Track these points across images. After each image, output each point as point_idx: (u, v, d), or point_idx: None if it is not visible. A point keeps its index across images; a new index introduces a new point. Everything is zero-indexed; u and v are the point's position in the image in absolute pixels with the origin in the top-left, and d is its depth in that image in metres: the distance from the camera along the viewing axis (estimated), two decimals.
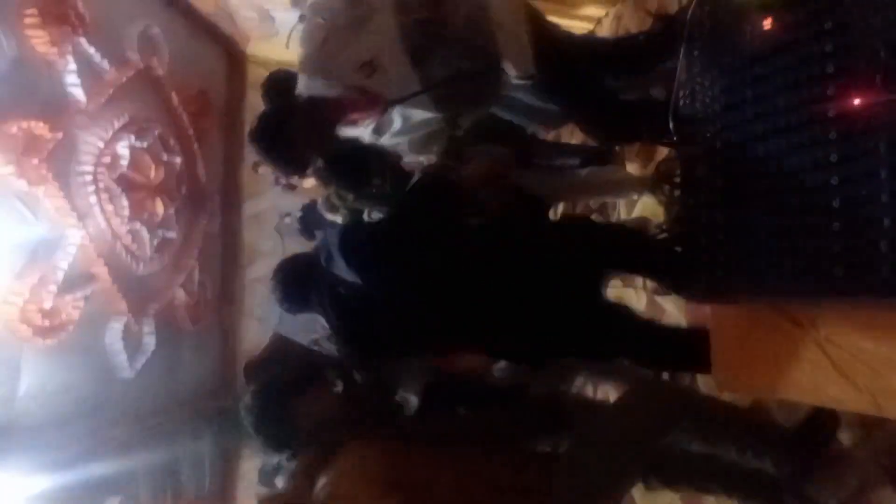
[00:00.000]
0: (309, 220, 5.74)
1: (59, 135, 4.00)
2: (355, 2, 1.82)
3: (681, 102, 1.26)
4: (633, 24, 3.09)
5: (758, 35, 1.14)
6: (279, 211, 6.44)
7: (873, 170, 0.93)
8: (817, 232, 1.01)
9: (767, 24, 1.12)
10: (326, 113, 1.96)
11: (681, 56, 1.24)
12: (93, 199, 4.34)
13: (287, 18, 5.74)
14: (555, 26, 2.21)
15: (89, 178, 4.31)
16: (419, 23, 1.80)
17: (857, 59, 0.97)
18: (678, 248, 1.23)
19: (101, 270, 4.40)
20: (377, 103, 1.93)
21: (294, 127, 1.93)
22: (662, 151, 2.38)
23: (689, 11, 1.25)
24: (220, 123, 6.24)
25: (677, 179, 1.26)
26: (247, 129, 6.75)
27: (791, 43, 1.07)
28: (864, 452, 1.79)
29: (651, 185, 2.45)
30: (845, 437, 1.90)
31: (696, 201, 1.23)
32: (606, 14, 3.39)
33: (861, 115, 0.96)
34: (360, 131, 2.13)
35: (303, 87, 1.93)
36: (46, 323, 3.90)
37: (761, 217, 1.11)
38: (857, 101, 0.96)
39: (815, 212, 1.01)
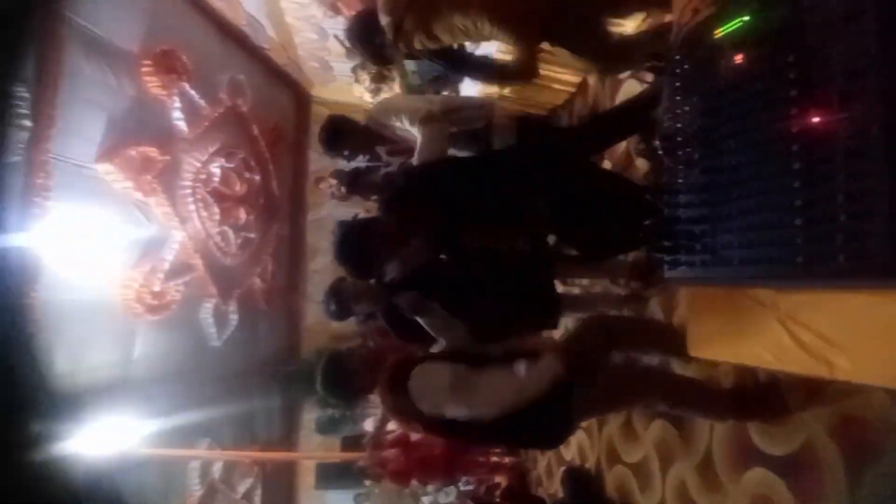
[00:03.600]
0: None
1: (167, 157, 4.06)
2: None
3: (665, 123, 1.21)
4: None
5: (731, 67, 1.09)
6: (335, 218, 6.47)
7: (832, 175, 0.88)
8: (782, 227, 0.96)
9: (739, 58, 1.07)
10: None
11: (666, 85, 1.19)
12: (192, 207, 4.39)
13: (343, 67, 5.79)
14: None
15: (189, 190, 4.36)
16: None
17: (817, 84, 0.92)
18: (665, 242, 1.18)
19: (197, 262, 4.45)
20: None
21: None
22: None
23: (674, 49, 1.20)
24: (290, 149, 6.27)
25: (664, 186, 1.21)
26: (311, 155, 6.80)
27: (759, 73, 1.02)
28: (809, 413, 1.73)
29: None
30: (791, 399, 1.82)
31: (678, 203, 1.18)
32: None
33: (821, 131, 0.90)
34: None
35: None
36: (155, 302, 3.95)
37: (735, 215, 1.06)
38: (816, 119, 0.91)
39: (780, 210, 0.96)
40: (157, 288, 3.97)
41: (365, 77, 4.22)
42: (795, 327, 1.02)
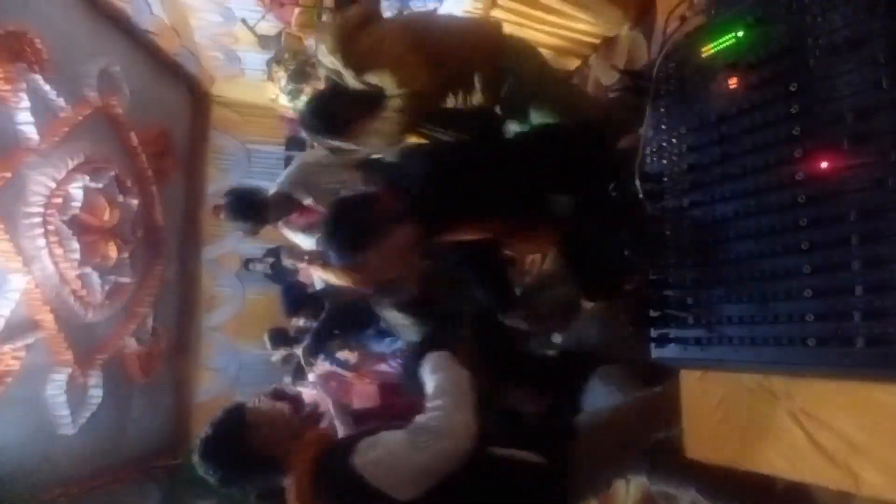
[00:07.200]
0: (277, 265, 5.69)
1: (7, 174, 3.91)
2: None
3: (647, 160, 1.24)
4: (603, 76, 3.18)
5: (724, 93, 1.13)
6: (241, 256, 6.38)
7: (844, 236, 0.91)
8: (789, 299, 0.98)
9: (733, 82, 1.12)
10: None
11: (647, 112, 1.23)
12: (41, 241, 4.21)
13: (254, 60, 5.82)
14: None
15: (38, 219, 4.20)
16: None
17: (824, 121, 0.96)
18: (650, 311, 1.19)
19: (47, 318, 4.24)
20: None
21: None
22: None
23: (656, 67, 1.25)
24: (181, 165, 6.18)
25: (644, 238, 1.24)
26: (208, 171, 6.77)
27: (757, 103, 1.07)
28: None
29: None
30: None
31: (663, 261, 1.21)
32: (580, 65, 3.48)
33: (829, 180, 0.94)
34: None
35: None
36: None
37: (730, 280, 1.08)
38: (824, 165, 0.95)
39: (787, 278, 0.99)
40: None
41: (281, 74, 4.26)
42: (812, 425, 1.04)
